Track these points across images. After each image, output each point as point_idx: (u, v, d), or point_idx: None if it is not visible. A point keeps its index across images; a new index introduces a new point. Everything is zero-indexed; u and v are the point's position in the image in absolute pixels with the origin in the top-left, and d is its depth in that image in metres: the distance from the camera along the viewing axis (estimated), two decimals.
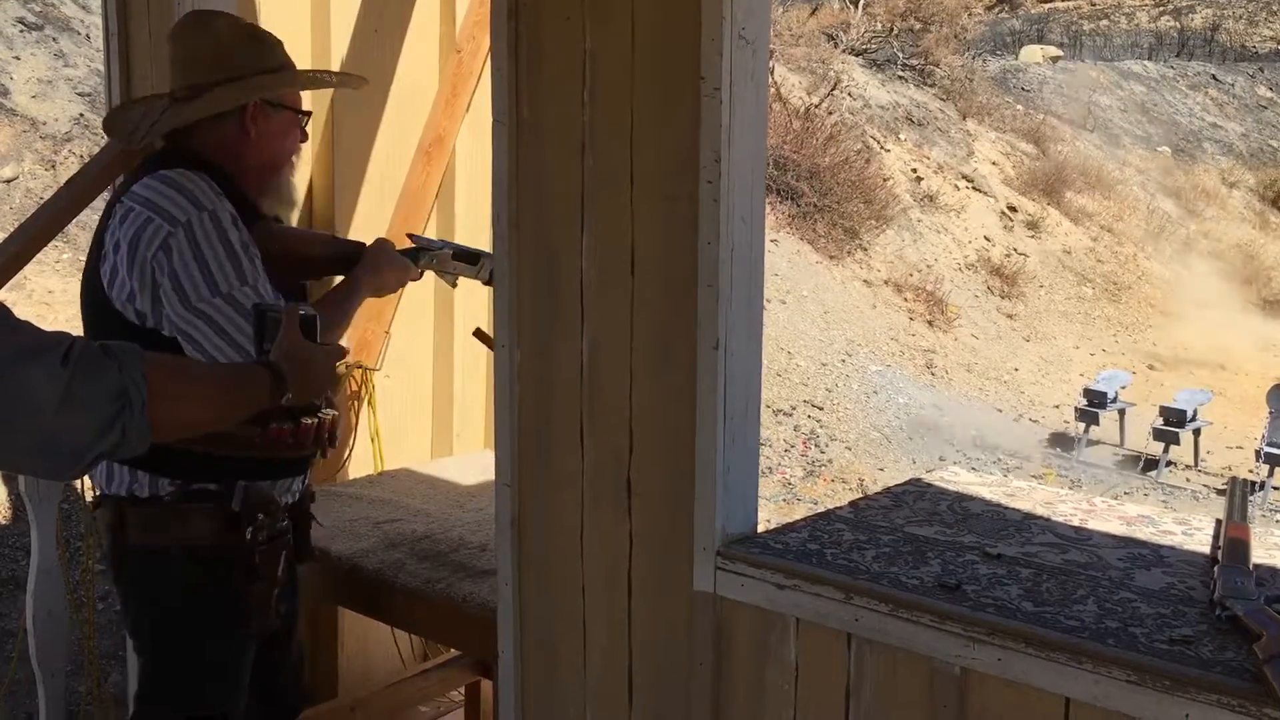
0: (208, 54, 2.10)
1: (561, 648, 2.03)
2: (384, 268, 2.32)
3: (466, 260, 2.50)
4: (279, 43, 2.20)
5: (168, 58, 2.16)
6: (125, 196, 2.02)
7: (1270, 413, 11.95)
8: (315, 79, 2.37)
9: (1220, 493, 11.42)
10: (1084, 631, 1.50)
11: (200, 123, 2.09)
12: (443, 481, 3.11)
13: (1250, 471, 11.52)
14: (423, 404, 3.41)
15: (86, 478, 2.12)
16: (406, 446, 3.34)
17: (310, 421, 2.12)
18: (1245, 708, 1.35)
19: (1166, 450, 12.27)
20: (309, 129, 2.29)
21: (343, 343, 2.09)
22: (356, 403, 3.21)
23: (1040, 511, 2.02)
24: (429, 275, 2.52)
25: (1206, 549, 1.83)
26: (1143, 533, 1.92)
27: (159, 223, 1.94)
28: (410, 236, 2.56)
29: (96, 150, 3.13)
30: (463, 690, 3.11)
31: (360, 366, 3.16)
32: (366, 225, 3.09)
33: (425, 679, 2.99)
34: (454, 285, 2.61)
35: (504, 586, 2.09)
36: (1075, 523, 1.96)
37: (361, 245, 2.36)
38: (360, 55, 3.09)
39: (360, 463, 3.20)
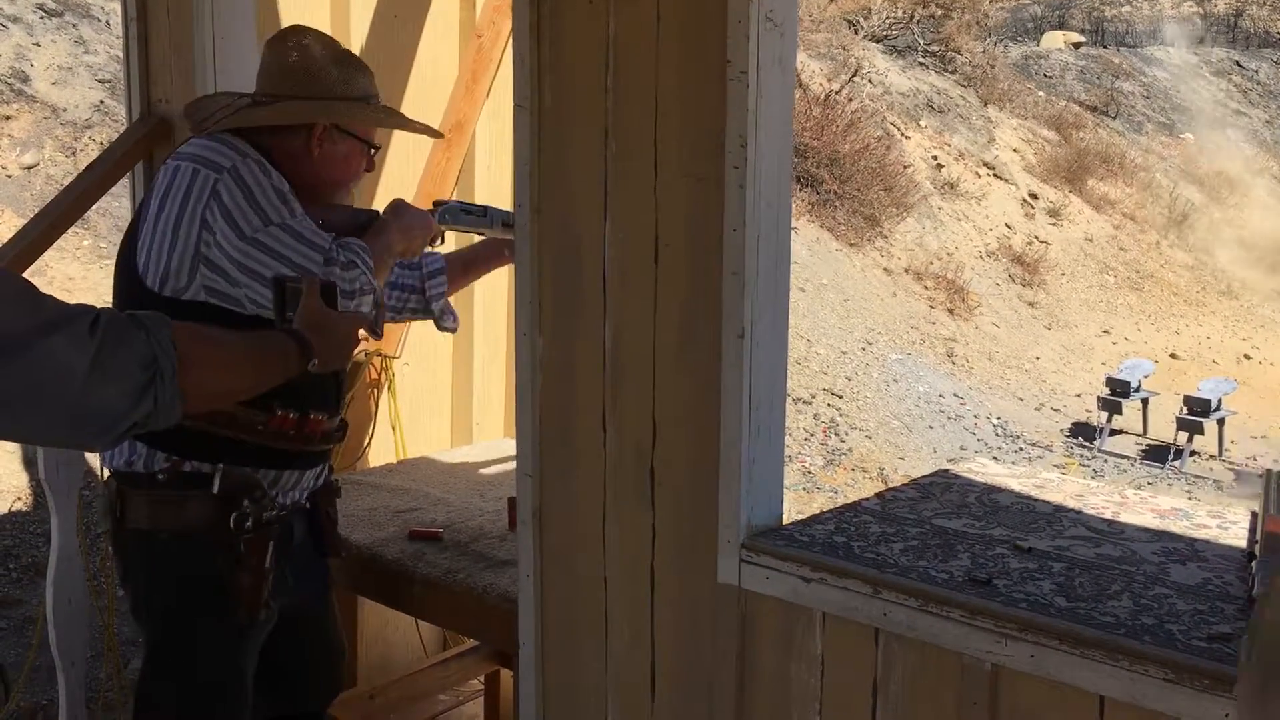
0: (293, 67, 2.13)
1: (583, 641, 2.01)
2: (409, 221, 2.29)
3: (475, 213, 2.49)
4: (367, 72, 2.20)
5: (261, 62, 2.20)
6: (171, 157, 2.06)
7: None
8: (388, 119, 2.30)
9: None
10: (1119, 628, 1.47)
11: (271, 129, 2.10)
12: (463, 470, 3.10)
13: (1275, 462, 11.44)
14: (443, 392, 3.40)
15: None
16: (426, 434, 3.33)
17: (318, 418, 2.11)
18: None
19: (1190, 440, 12.19)
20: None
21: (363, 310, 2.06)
22: (376, 390, 3.19)
23: (1071, 504, 1.99)
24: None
25: (1242, 543, 1.80)
26: (1176, 526, 1.88)
27: (206, 172, 1.98)
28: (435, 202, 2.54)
29: (116, 137, 3.12)
30: (482, 679, 3.09)
31: (380, 354, 3.14)
32: None
33: (444, 668, 2.98)
34: (481, 235, 2.58)
35: (524, 578, 2.07)
36: (1107, 515, 1.93)
37: (377, 212, 2.35)
38: (380, 41, 3.07)
39: (380, 451, 3.19)
